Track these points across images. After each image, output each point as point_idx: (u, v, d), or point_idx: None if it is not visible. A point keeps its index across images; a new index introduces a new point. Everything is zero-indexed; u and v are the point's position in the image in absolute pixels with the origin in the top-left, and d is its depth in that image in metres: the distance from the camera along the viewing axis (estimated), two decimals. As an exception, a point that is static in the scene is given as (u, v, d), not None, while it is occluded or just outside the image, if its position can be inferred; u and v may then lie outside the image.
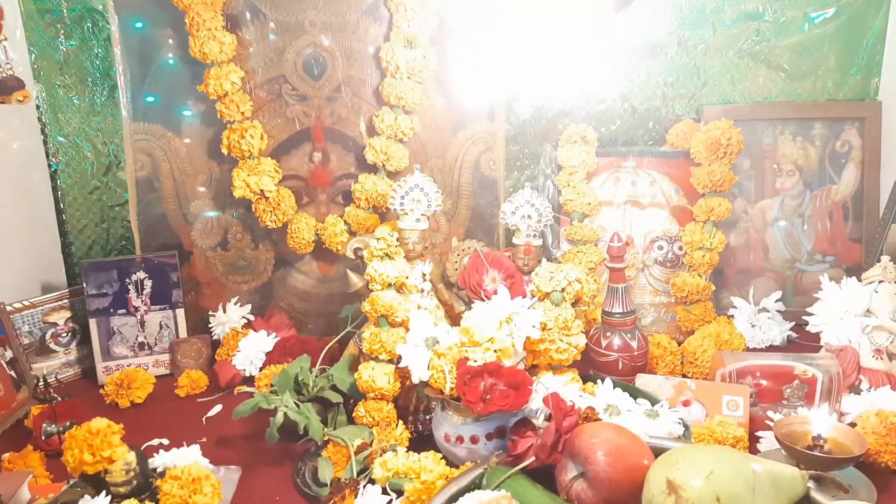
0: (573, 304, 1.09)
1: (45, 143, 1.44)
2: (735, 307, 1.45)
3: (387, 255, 1.10)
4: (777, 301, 1.44)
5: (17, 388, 1.20)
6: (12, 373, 1.20)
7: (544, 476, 0.89)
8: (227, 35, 1.29)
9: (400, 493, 0.90)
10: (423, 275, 1.14)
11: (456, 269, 1.18)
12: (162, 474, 0.87)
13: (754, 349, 1.38)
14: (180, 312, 1.36)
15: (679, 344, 1.31)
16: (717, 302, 1.45)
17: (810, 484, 0.86)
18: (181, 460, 0.90)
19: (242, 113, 1.31)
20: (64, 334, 1.34)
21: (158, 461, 0.91)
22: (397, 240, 1.11)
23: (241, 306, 1.40)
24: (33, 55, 1.40)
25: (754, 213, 1.50)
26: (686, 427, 1.01)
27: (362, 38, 1.36)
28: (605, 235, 1.42)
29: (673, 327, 1.42)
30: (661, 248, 1.43)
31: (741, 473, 0.79)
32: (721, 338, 1.30)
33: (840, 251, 1.51)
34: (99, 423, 0.83)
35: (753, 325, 1.41)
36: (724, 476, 0.77)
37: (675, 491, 0.76)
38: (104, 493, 0.83)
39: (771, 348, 1.39)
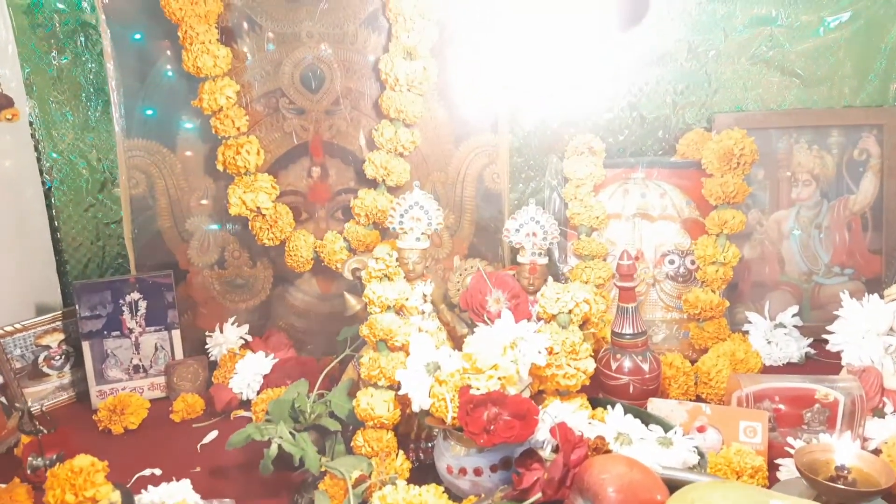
0: (581, 326, 1.04)
1: (38, 160, 1.41)
2: (750, 322, 1.40)
3: (386, 276, 1.05)
4: (794, 316, 1.39)
5: (8, 414, 1.16)
6: (2, 399, 1.17)
7: (552, 512, 0.84)
8: (221, 48, 1.25)
9: (400, 530, 0.85)
10: (424, 296, 1.10)
11: (458, 290, 1.14)
12: (150, 512, 0.84)
13: (770, 367, 1.33)
14: (176, 333, 1.33)
15: (692, 363, 1.26)
16: (730, 317, 1.40)
17: (835, 521, 0.81)
18: (170, 497, 0.86)
19: (238, 128, 1.27)
20: (57, 357, 1.31)
21: (146, 499, 0.87)
22: (397, 260, 1.07)
23: (238, 326, 1.36)
24: (26, 70, 1.38)
25: (769, 225, 1.45)
26: (701, 455, 0.96)
27: (361, 49, 1.32)
28: (613, 250, 1.37)
29: (685, 344, 1.37)
30: (672, 262, 1.38)
31: (762, 513, 0.74)
32: (736, 357, 1.25)
33: (859, 263, 1.45)
34: (82, 460, 0.79)
35: (769, 342, 1.36)
36: (744, 517, 0.72)
37: (692, 534, 0.71)
38: (88, 534, 0.79)
39: (788, 366, 1.33)
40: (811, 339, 1.36)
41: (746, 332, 1.38)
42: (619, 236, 1.39)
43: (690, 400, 1.19)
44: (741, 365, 1.25)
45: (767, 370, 1.30)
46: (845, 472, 0.89)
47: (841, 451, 0.92)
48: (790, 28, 1.44)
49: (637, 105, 1.47)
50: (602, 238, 1.37)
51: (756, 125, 1.41)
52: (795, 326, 1.39)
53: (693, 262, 1.38)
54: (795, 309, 1.40)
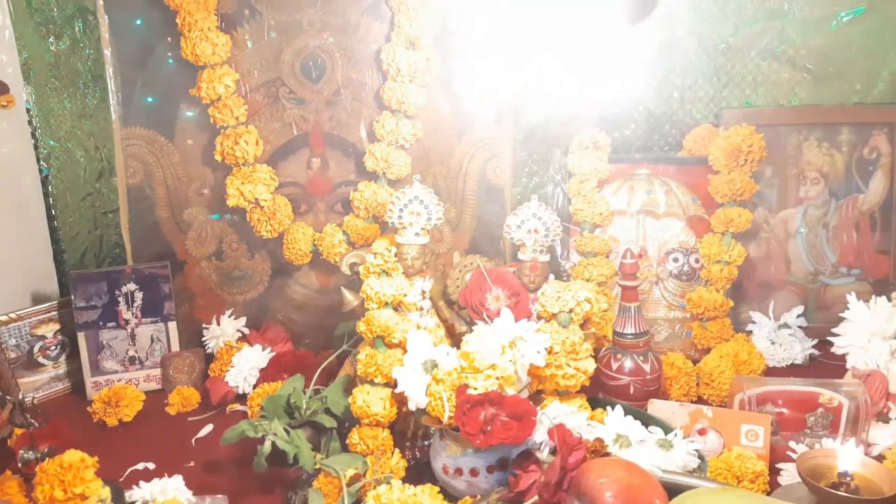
0: (581, 325, 1.02)
1: (35, 147, 1.40)
2: (754, 322, 1.38)
3: (384, 271, 1.04)
4: (799, 316, 1.37)
5: (2, 405, 1.15)
6: (-4, 389, 1.16)
7: (548, 516, 0.82)
8: (220, 36, 1.23)
9: (394, 530, 0.84)
10: (423, 292, 1.08)
11: (457, 287, 1.12)
12: (140, 509, 0.82)
13: (774, 368, 1.31)
14: (172, 325, 1.31)
15: (694, 363, 1.24)
16: (734, 316, 1.37)
17: (837, 530, 0.79)
18: (161, 494, 0.85)
19: (237, 118, 1.25)
20: (53, 347, 1.30)
21: (137, 495, 0.86)
22: (395, 255, 1.05)
23: (235, 319, 1.35)
24: (23, 56, 1.36)
25: (776, 223, 1.42)
26: (702, 459, 0.95)
27: (363, 38, 1.29)
28: (617, 247, 1.35)
29: (687, 344, 1.35)
30: (676, 260, 1.36)
31: (763, 522, 0.72)
32: (739, 357, 1.23)
33: (866, 264, 1.42)
34: (72, 456, 0.78)
35: (773, 342, 1.34)
36: (745, 526, 0.71)
37: (690, 543, 0.70)
38: (78, 530, 0.78)
39: (792, 367, 1.31)
40: (816, 341, 1.34)
41: (750, 333, 1.36)
42: (623, 233, 1.37)
43: (692, 401, 1.18)
44: (744, 366, 1.23)
45: (771, 371, 1.29)
46: (848, 478, 0.88)
47: (844, 457, 0.90)
48: (802, 22, 1.40)
49: (644, 99, 1.44)
50: (605, 235, 1.35)
51: (765, 121, 1.38)
52: (800, 327, 1.37)
53: (697, 261, 1.35)
54: (800, 309, 1.38)
